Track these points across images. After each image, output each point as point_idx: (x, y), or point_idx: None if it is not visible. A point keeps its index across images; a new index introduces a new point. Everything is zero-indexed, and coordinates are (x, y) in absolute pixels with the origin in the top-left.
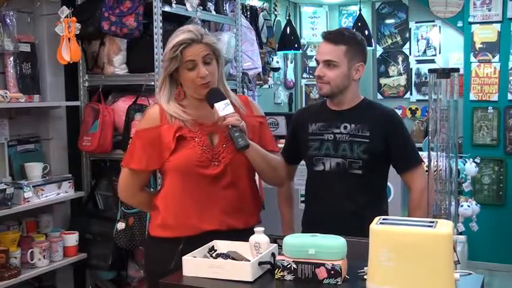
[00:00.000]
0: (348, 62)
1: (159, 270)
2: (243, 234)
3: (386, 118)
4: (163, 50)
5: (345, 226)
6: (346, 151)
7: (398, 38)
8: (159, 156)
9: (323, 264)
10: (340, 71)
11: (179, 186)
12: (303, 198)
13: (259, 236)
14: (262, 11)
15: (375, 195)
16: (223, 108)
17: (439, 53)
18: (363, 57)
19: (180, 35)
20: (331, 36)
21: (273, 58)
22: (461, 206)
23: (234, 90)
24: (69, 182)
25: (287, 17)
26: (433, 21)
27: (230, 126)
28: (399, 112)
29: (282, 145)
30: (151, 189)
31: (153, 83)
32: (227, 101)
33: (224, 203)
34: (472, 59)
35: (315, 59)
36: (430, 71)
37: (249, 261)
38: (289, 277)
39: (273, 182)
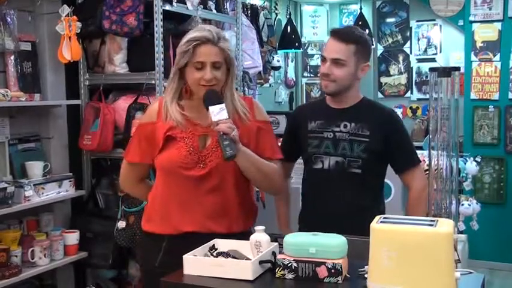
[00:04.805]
0: (356, 62)
1: (147, 265)
2: (226, 239)
3: (386, 118)
4: (164, 49)
5: (342, 225)
6: (346, 150)
7: (399, 37)
8: (151, 152)
9: (324, 263)
10: (347, 70)
11: (165, 185)
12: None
13: (260, 235)
14: (263, 10)
15: (372, 196)
16: (217, 112)
17: (440, 51)
18: (368, 57)
19: (197, 31)
20: (341, 35)
21: (273, 57)
22: (462, 204)
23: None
24: (70, 181)
25: (288, 16)
26: (434, 20)
27: (221, 133)
28: (400, 111)
29: None
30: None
31: (153, 81)
32: (223, 105)
33: (207, 206)
34: (473, 57)
35: (322, 55)
36: (431, 69)
37: (249, 260)
38: (289, 276)
39: (266, 190)
